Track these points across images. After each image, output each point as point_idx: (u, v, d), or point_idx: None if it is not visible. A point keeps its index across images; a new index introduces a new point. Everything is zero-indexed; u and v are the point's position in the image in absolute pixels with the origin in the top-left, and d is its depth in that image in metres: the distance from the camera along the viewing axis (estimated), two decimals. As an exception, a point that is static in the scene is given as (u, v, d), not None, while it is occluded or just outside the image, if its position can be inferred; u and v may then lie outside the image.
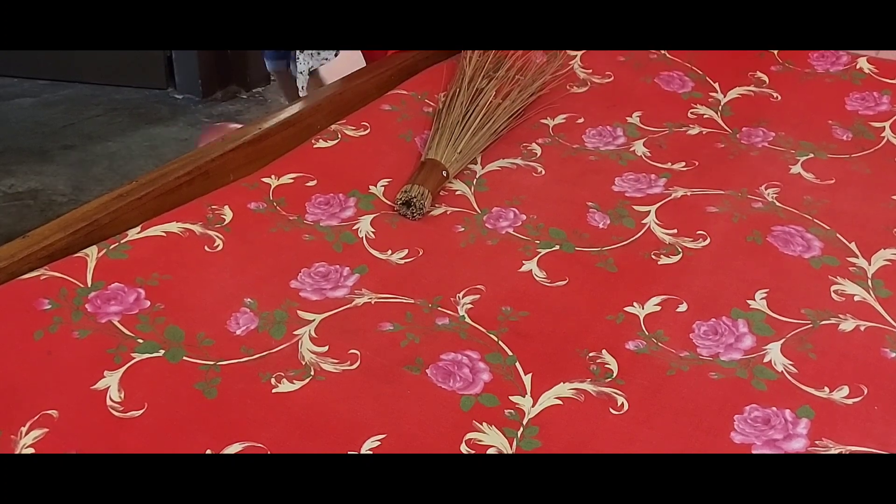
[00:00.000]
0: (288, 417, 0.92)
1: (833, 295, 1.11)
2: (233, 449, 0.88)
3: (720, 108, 1.59)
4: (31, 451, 0.87)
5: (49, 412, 0.90)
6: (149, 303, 1.05)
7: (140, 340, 1.00)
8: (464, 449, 0.89)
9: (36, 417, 0.90)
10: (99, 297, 1.05)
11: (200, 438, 0.89)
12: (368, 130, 1.43)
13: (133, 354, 0.98)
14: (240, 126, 1.44)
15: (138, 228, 1.16)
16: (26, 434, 0.88)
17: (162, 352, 0.99)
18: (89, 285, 1.06)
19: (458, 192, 1.33)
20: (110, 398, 0.93)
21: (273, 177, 1.30)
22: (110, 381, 0.94)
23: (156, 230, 1.16)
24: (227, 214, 1.21)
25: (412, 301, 1.09)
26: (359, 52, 2.05)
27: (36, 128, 2.76)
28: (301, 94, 2.17)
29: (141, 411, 0.92)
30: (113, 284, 1.07)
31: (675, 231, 1.23)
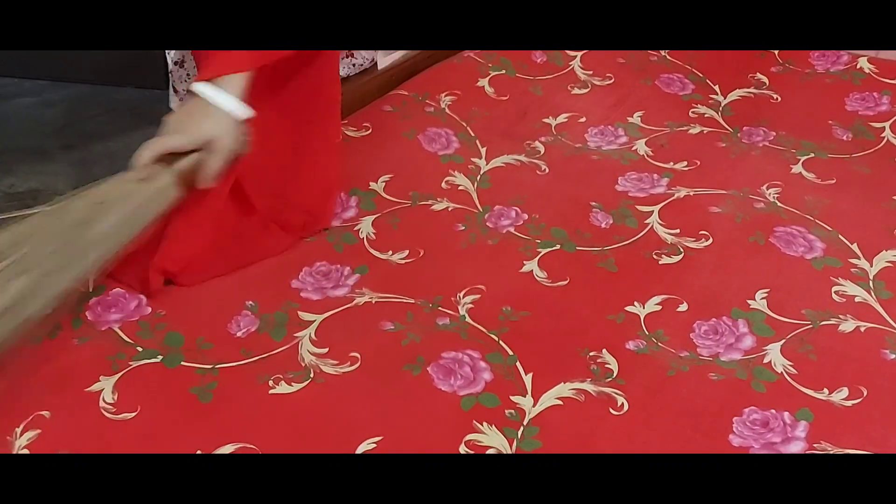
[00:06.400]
0: (283, 419, 0.92)
1: (834, 296, 1.11)
2: (224, 451, 0.87)
3: (720, 108, 1.59)
4: (25, 452, 0.87)
5: (42, 413, 0.90)
6: (150, 309, 1.05)
7: (139, 348, 1.00)
8: (463, 450, 0.89)
9: (30, 419, 0.90)
10: (99, 303, 1.05)
11: (192, 440, 0.89)
12: (370, 131, 1.43)
13: (131, 362, 0.98)
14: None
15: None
16: (21, 435, 0.88)
17: (160, 357, 0.99)
18: (90, 290, 1.06)
19: (461, 188, 1.33)
20: (103, 400, 0.93)
21: (273, 177, 1.30)
22: (104, 384, 0.95)
23: (156, 231, 1.16)
24: (228, 216, 1.21)
25: (413, 301, 1.09)
26: None
27: (36, 127, 2.76)
28: None
29: (133, 414, 0.92)
30: (114, 290, 1.07)
31: (678, 231, 1.23)
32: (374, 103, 1.52)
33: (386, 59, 1.71)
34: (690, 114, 1.58)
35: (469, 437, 0.90)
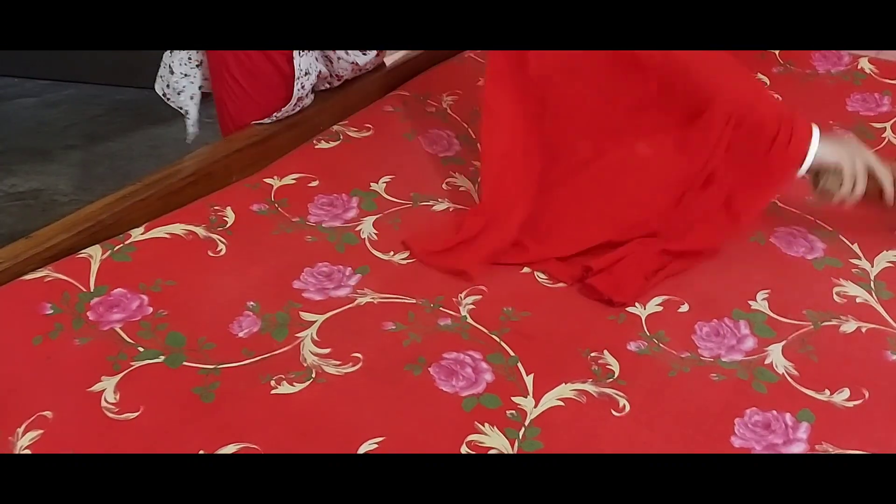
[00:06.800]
0: (285, 419, 0.92)
1: (835, 296, 1.11)
2: (226, 451, 0.88)
3: (722, 108, 1.59)
4: (27, 452, 0.87)
5: (43, 413, 0.91)
6: (151, 309, 1.05)
7: (140, 348, 1.00)
8: (464, 450, 0.89)
9: (32, 419, 0.90)
10: (101, 303, 1.05)
11: (194, 440, 0.89)
12: (371, 131, 1.43)
13: (132, 362, 0.98)
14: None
15: (142, 229, 1.16)
16: (23, 436, 0.89)
17: (162, 357, 0.99)
18: (92, 290, 1.06)
19: (462, 189, 1.33)
20: (105, 400, 0.93)
21: (275, 177, 1.31)
22: (107, 385, 0.95)
23: (159, 231, 1.16)
24: (230, 217, 1.21)
25: (414, 301, 1.09)
26: None
27: (38, 128, 2.76)
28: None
29: (136, 414, 0.92)
30: (116, 290, 1.07)
31: (678, 231, 1.23)
32: (375, 103, 1.52)
33: (387, 59, 1.71)
34: (691, 114, 1.57)
35: (470, 437, 0.90)
